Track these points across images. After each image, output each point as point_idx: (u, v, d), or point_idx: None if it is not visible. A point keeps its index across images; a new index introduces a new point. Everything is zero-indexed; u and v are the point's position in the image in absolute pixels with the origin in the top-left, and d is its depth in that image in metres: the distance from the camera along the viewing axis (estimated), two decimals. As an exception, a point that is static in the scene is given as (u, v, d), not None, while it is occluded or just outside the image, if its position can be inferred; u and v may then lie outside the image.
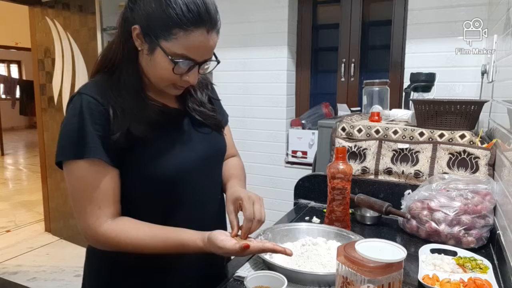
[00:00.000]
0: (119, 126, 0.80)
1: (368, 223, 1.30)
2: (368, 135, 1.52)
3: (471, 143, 1.32)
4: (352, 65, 2.62)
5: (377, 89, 1.93)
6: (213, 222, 0.98)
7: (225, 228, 1.09)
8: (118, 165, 0.83)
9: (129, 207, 0.87)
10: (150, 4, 0.77)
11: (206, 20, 0.77)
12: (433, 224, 1.13)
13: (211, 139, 0.97)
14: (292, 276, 0.85)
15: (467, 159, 1.31)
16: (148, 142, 0.83)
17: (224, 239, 0.80)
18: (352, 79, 2.64)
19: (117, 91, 0.82)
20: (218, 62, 0.87)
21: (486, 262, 0.98)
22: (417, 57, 2.15)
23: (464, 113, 1.35)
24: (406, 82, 2.00)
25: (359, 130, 1.54)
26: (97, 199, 0.80)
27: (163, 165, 0.85)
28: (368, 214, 1.33)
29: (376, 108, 1.83)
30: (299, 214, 1.40)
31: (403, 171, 1.40)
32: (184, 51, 0.78)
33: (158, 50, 0.78)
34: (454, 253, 1.04)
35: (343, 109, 2.38)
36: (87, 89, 0.83)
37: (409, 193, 1.26)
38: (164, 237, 0.83)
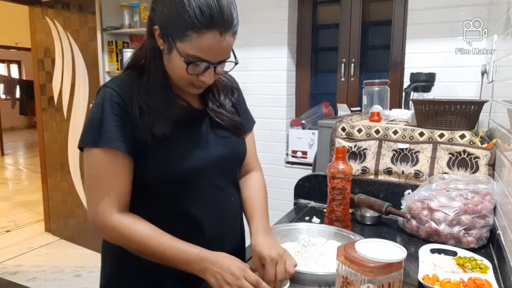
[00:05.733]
0: (144, 123, 0.83)
1: (368, 223, 1.30)
2: (368, 135, 1.52)
3: (471, 143, 1.32)
4: (352, 65, 2.62)
5: (377, 89, 1.93)
6: (227, 224, 0.98)
7: (241, 229, 1.06)
8: (134, 156, 0.84)
9: (142, 200, 0.88)
10: (167, 6, 0.79)
11: (219, 23, 0.77)
12: (433, 224, 1.13)
13: (228, 142, 0.97)
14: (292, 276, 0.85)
15: (467, 159, 1.31)
16: (167, 139, 0.85)
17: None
18: (352, 79, 2.64)
19: (145, 89, 0.85)
20: (236, 63, 0.86)
21: (486, 262, 0.98)
22: (417, 57, 2.14)
23: (464, 113, 1.35)
24: (406, 82, 1.99)
25: (359, 130, 1.54)
26: (108, 187, 0.82)
27: (176, 162, 0.87)
28: (368, 214, 1.33)
29: (376, 108, 1.83)
30: (299, 214, 1.40)
31: (403, 171, 1.40)
32: (197, 53, 0.79)
33: (174, 50, 0.81)
34: (454, 253, 1.04)
35: (343, 109, 2.38)
36: (112, 83, 0.87)
37: (409, 193, 1.26)
38: (170, 241, 0.82)
